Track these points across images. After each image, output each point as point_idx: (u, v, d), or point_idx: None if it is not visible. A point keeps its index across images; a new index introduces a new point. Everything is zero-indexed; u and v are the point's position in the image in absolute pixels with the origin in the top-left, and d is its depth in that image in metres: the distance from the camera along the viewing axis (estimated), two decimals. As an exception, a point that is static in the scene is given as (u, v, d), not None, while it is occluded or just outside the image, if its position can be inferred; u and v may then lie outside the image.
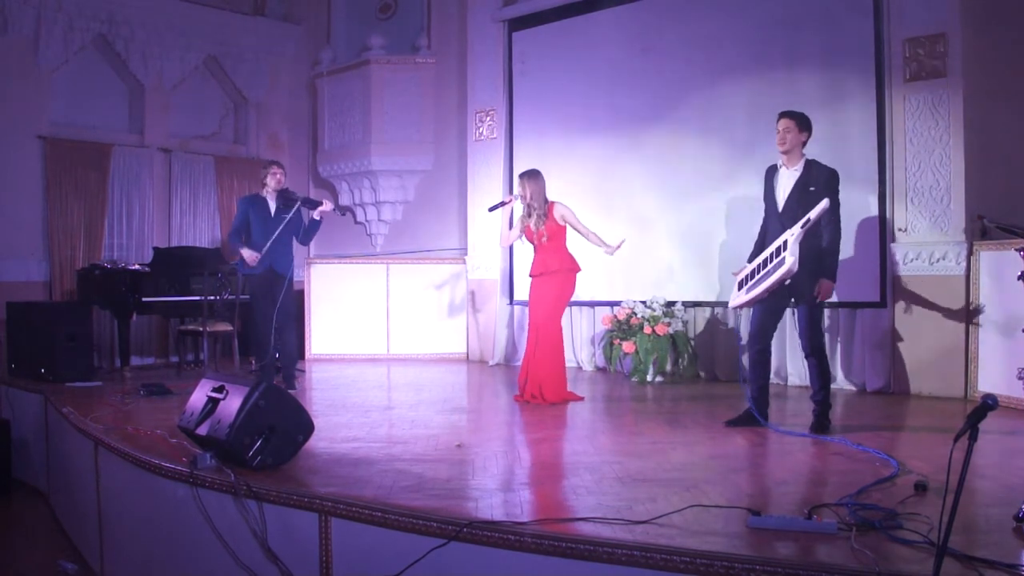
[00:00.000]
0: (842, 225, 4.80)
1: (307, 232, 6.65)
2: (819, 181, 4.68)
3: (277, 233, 6.27)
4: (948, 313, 5.82)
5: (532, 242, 5.96)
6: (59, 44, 8.32)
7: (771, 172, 4.93)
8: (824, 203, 4.46)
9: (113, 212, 8.74)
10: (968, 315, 5.74)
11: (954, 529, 2.21)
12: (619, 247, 5.79)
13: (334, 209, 6.83)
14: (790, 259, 4.50)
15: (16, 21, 8.06)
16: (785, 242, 4.57)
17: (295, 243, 6.63)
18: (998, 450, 4.14)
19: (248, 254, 6.31)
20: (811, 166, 4.76)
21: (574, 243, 6.03)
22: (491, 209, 6.18)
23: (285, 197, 6.42)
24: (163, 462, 3.92)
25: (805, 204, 4.62)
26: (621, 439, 4.62)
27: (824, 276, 4.70)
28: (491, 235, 8.41)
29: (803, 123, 4.78)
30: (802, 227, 4.51)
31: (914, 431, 4.86)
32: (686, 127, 7.19)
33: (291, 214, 6.36)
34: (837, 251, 4.76)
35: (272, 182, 6.47)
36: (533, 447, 4.49)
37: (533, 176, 5.90)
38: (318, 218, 6.47)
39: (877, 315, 6.16)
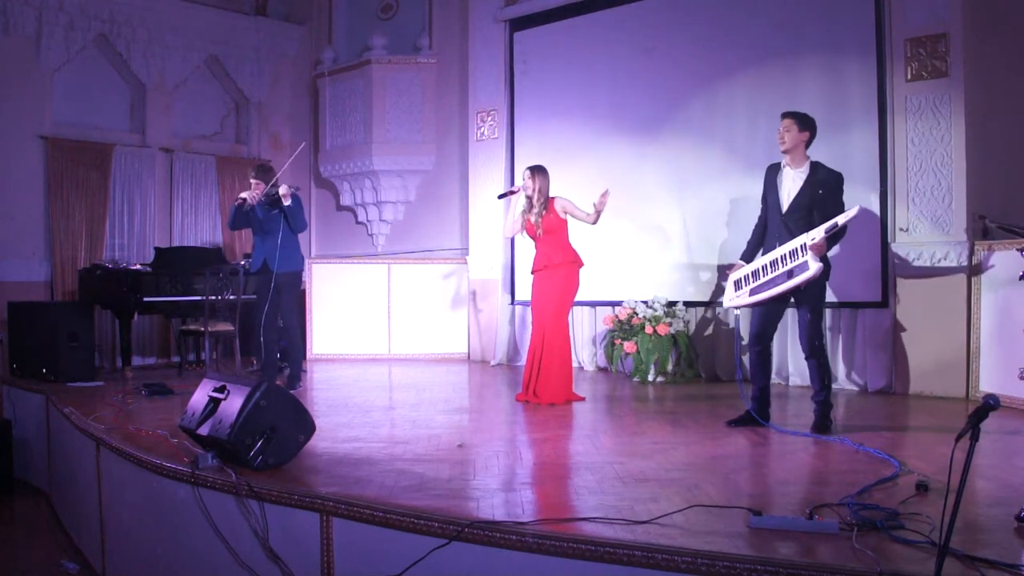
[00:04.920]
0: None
1: (287, 220, 6.38)
2: (827, 184, 4.67)
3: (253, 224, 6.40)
4: (949, 313, 5.82)
5: (532, 236, 5.97)
6: (60, 44, 8.33)
7: (773, 171, 4.92)
8: (856, 209, 4.42)
9: (115, 212, 8.75)
10: (969, 315, 5.74)
11: (955, 529, 2.21)
12: (604, 199, 5.65)
13: (288, 187, 6.62)
14: (815, 265, 4.46)
15: (17, 21, 8.07)
16: (803, 245, 4.53)
17: (297, 241, 6.59)
18: (999, 450, 4.14)
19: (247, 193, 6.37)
20: (817, 168, 4.75)
21: (577, 240, 6.03)
22: (500, 196, 6.51)
23: (267, 195, 6.39)
24: (165, 462, 3.92)
25: (813, 206, 4.62)
26: (622, 439, 4.62)
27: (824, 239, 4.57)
28: (492, 235, 8.42)
29: (804, 122, 4.79)
30: (826, 232, 4.46)
31: (915, 431, 4.86)
32: (687, 127, 7.19)
33: (275, 211, 6.36)
34: (837, 240, 4.71)
35: (252, 188, 6.45)
36: (535, 447, 4.50)
37: (540, 171, 5.93)
38: (287, 203, 6.39)
39: (878, 315, 6.16)
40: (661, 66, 7.36)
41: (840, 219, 4.45)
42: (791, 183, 4.79)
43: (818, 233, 4.48)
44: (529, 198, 5.90)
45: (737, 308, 5.05)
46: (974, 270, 5.74)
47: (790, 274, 4.60)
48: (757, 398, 4.89)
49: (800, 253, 4.55)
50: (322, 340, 8.81)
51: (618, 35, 7.64)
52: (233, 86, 9.90)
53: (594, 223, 5.85)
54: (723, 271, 6.86)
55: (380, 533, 3.12)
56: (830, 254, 4.91)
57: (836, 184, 4.71)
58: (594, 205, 5.70)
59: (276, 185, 6.34)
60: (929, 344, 5.89)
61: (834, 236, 4.62)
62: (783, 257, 4.65)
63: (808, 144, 4.81)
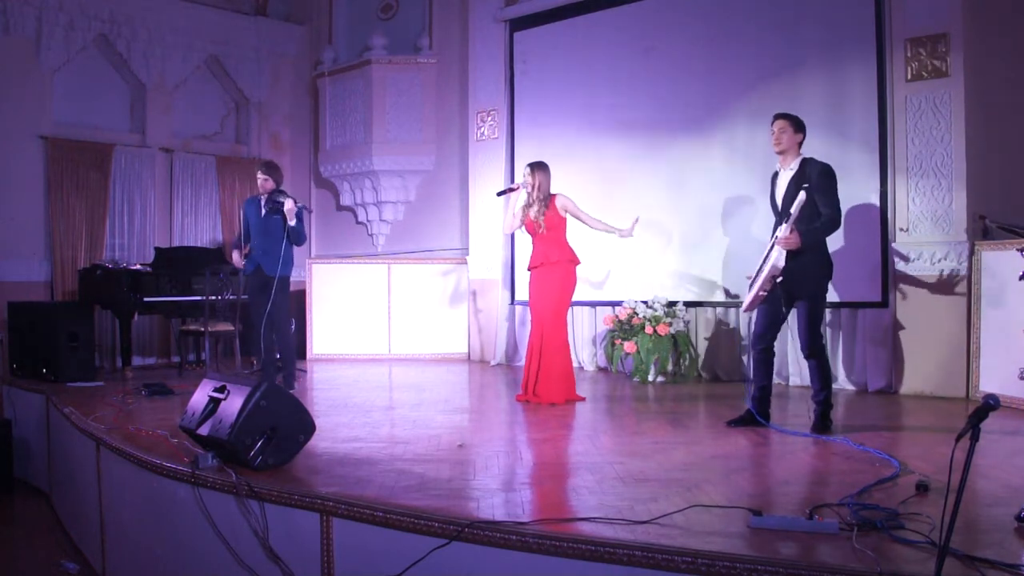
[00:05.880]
0: (844, 224, 4.79)
1: (288, 235, 6.36)
2: (811, 178, 4.68)
3: (260, 231, 6.40)
4: (949, 313, 5.82)
5: (531, 233, 5.97)
6: (60, 44, 8.34)
7: (774, 177, 4.99)
8: (800, 196, 4.49)
9: (115, 212, 8.75)
10: (969, 315, 5.74)
11: (955, 529, 2.21)
12: (634, 226, 5.85)
13: (295, 203, 6.67)
14: (774, 254, 4.57)
15: (17, 21, 8.07)
16: (777, 238, 4.63)
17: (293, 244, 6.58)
18: (999, 450, 4.14)
19: (236, 256, 6.50)
20: (806, 164, 4.78)
21: (576, 239, 6.03)
22: (499, 193, 6.57)
23: (273, 200, 6.40)
24: (165, 462, 3.92)
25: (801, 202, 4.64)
26: (623, 439, 4.62)
27: (800, 234, 4.57)
28: (492, 235, 8.43)
29: (798, 125, 4.83)
30: (786, 223, 4.56)
31: (915, 431, 4.86)
32: (687, 126, 7.19)
33: (281, 216, 6.36)
34: (825, 231, 4.68)
35: (259, 185, 6.48)
36: (535, 447, 4.50)
37: (541, 167, 5.93)
38: (292, 222, 6.38)
39: (878, 315, 6.15)
40: (661, 66, 7.36)
41: (792, 208, 4.53)
42: (783, 183, 4.84)
43: (786, 226, 4.57)
44: (529, 194, 5.91)
45: (746, 311, 5.07)
46: (974, 270, 5.74)
47: (764, 268, 4.69)
48: (757, 398, 4.89)
49: (773, 247, 4.65)
50: (322, 340, 8.81)
51: (618, 35, 7.63)
52: (233, 86, 9.90)
53: (596, 229, 5.92)
54: (723, 270, 6.88)
55: (380, 533, 3.12)
56: (832, 251, 4.92)
57: (821, 177, 4.66)
58: (621, 230, 5.91)
59: (284, 195, 6.35)
60: (929, 344, 5.89)
61: (822, 227, 4.63)
62: (768, 254, 4.73)
63: (801, 144, 4.84)
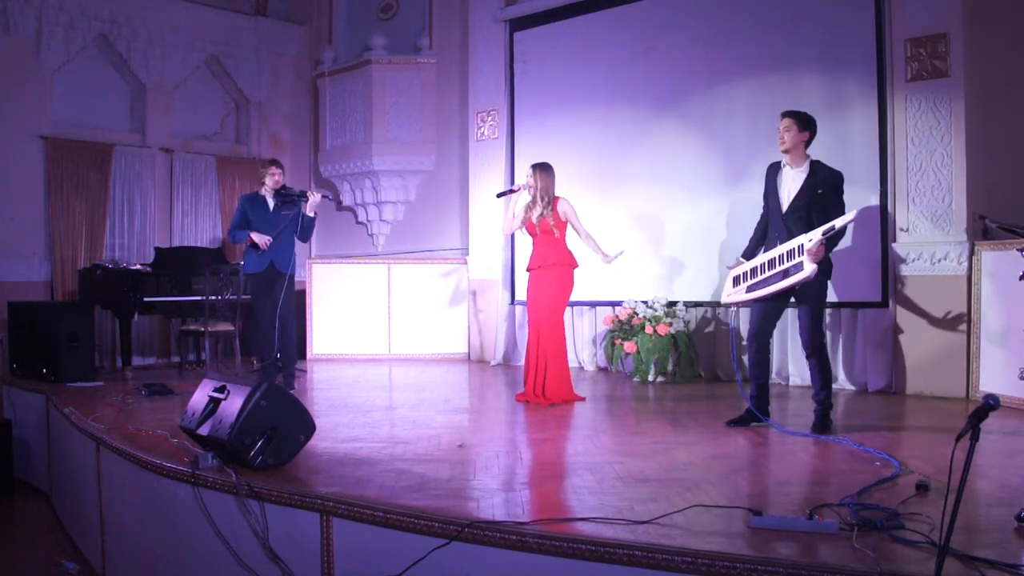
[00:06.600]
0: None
1: (304, 229, 6.43)
2: (827, 184, 4.66)
3: (281, 229, 6.30)
4: (949, 313, 5.82)
5: (531, 234, 5.98)
6: (60, 44, 8.34)
7: (774, 170, 4.92)
8: (853, 214, 4.46)
9: (115, 212, 8.76)
10: (969, 315, 5.74)
11: (955, 529, 2.21)
12: (616, 257, 5.88)
13: (324, 197, 6.72)
14: (809, 267, 4.48)
15: (18, 21, 8.07)
16: (800, 246, 4.54)
17: (296, 242, 6.59)
18: (999, 450, 4.14)
19: (259, 236, 6.28)
20: (817, 167, 4.74)
21: (577, 242, 6.04)
22: (499, 195, 6.52)
23: (283, 194, 6.41)
24: (165, 462, 3.92)
25: (813, 206, 4.62)
26: (623, 439, 4.62)
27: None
28: (492, 235, 8.42)
29: (804, 122, 4.77)
30: (824, 234, 4.47)
31: (915, 431, 4.86)
32: (687, 127, 7.19)
33: (292, 211, 6.36)
34: (835, 241, 4.68)
35: (270, 182, 6.46)
36: (535, 447, 4.50)
37: (545, 169, 5.92)
38: (311, 214, 6.43)
39: (878, 315, 6.16)
40: (661, 66, 7.36)
41: (837, 223, 4.46)
42: (791, 183, 4.78)
43: (815, 235, 4.49)
44: (533, 195, 5.90)
45: (733, 305, 5.05)
46: (974, 270, 5.74)
47: (785, 274, 4.62)
48: (755, 396, 4.89)
49: (797, 254, 4.57)
50: (322, 340, 8.81)
51: (618, 35, 7.63)
52: (233, 86, 9.90)
53: (584, 243, 5.95)
54: (724, 271, 6.88)
55: (380, 533, 3.12)
56: (832, 251, 4.91)
57: (836, 184, 4.69)
58: (605, 255, 5.90)
59: (291, 188, 6.36)
60: (929, 344, 5.89)
61: (832, 238, 4.61)
62: (781, 257, 4.67)
63: (808, 143, 4.80)
